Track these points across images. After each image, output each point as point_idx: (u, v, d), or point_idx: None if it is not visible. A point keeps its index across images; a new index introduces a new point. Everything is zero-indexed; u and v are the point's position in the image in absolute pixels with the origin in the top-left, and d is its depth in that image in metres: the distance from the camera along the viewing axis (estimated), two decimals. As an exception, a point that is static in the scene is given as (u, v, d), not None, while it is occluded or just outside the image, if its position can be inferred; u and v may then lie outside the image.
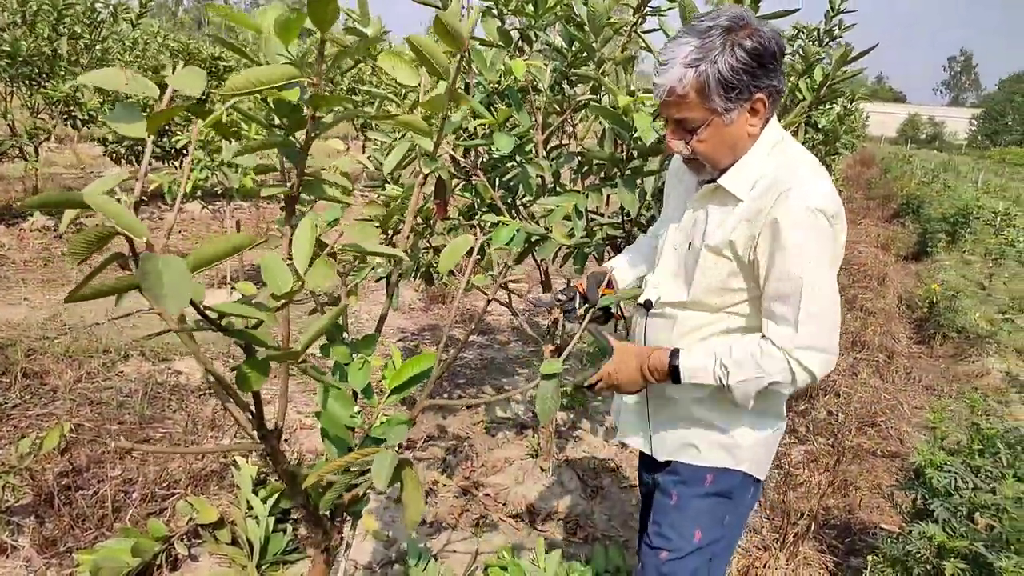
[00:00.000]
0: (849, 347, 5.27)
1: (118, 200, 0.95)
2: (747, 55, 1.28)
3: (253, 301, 0.99)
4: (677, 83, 1.32)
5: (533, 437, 3.38)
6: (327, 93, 1.02)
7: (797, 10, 2.21)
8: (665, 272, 1.55)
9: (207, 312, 0.85)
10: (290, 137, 1.13)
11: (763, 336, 1.38)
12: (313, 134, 1.12)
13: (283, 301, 0.94)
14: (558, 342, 2.92)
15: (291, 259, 1.02)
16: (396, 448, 1.14)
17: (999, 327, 5.48)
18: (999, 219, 10.03)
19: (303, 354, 0.94)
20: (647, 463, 1.73)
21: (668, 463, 1.59)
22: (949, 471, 2.06)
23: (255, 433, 1.15)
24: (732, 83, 1.29)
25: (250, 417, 1.13)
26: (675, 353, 1.44)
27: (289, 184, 1.16)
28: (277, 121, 1.14)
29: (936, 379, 4.93)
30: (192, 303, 0.80)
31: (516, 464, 3.18)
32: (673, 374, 1.43)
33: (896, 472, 3.37)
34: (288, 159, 1.17)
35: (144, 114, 0.94)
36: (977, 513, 1.98)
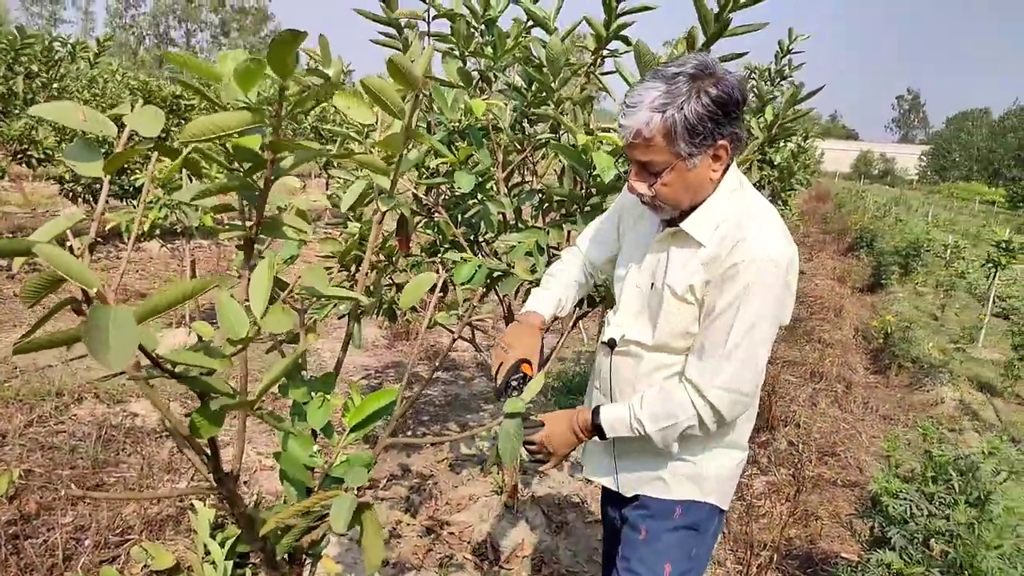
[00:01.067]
0: (808, 378, 5.36)
1: (69, 245, 0.95)
2: (712, 102, 1.31)
3: (208, 346, 0.98)
4: (644, 126, 1.33)
5: (498, 474, 3.36)
6: (286, 137, 1.04)
7: (745, 53, 2.29)
8: (628, 311, 1.57)
9: (160, 360, 0.84)
10: (249, 179, 1.14)
11: (681, 377, 1.45)
12: (272, 178, 1.13)
13: (239, 346, 0.93)
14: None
15: (248, 301, 1.02)
16: (356, 490, 1.14)
17: (951, 357, 5.63)
18: (949, 251, 10.36)
19: (258, 402, 0.93)
20: (611, 498, 1.73)
21: (635, 497, 1.60)
22: (904, 499, 2.10)
23: (212, 477, 1.14)
24: (697, 129, 1.32)
25: (206, 461, 1.12)
26: (596, 412, 1.51)
27: (248, 226, 1.17)
28: (238, 164, 1.15)
29: (892, 408, 5.04)
30: (144, 352, 0.79)
31: (481, 501, 3.16)
32: (597, 431, 1.51)
33: (855, 501, 3.42)
34: (247, 201, 1.17)
35: (102, 152, 0.94)
36: (932, 539, 2.02)
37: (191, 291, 0.85)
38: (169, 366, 0.89)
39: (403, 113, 1.07)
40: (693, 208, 1.44)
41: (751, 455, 3.91)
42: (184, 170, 1.16)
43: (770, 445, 4.06)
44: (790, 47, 4.05)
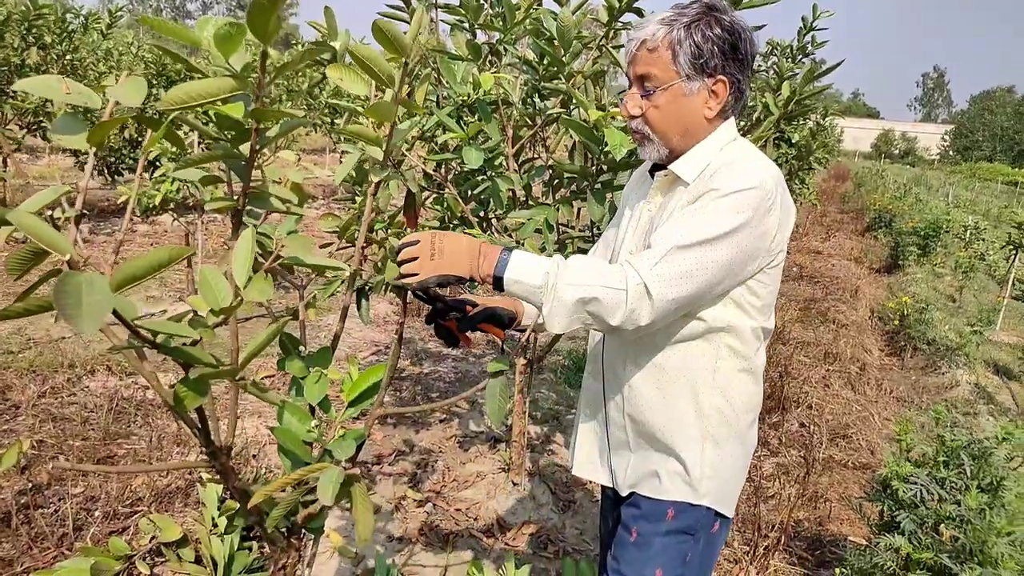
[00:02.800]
0: (822, 359, 5.31)
1: (51, 215, 0.93)
2: (722, 32, 1.30)
3: (195, 317, 0.97)
4: (650, 36, 1.31)
5: (505, 451, 3.36)
6: (270, 106, 1.01)
7: (763, 26, 2.23)
8: None
9: (140, 330, 0.83)
10: (234, 149, 1.11)
11: (669, 347, 1.39)
12: (258, 147, 1.10)
13: (222, 317, 0.92)
14: (529, 355, 2.91)
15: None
16: (345, 463, 1.12)
17: (968, 339, 5.55)
18: (969, 233, 10.21)
19: (241, 371, 0.91)
20: (607, 496, 1.66)
21: (630, 495, 1.50)
22: (915, 483, 2.07)
23: (204, 450, 1.13)
24: (701, 51, 1.29)
25: (197, 434, 1.11)
26: (510, 249, 1.30)
27: (235, 197, 1.14)
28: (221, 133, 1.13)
29: (907, 391, 4.98)
30: (122, 320, 0.78)
31: (487, 478, 3.16)
32: (499, 265, 1.27)
33: (866, 484, 3.39)
34: (233, 172, 1.15)
35: (87, 125, 0.92)
36: (942, 524, 1.99)
37: (167, 259, 0.83)
38: (150, 336, 0.88)
39: (392, 81, 1.04)
40: (683, 153, 1.38)
41: (761, 436, 3.88)
42: (197, 141, 1.15)
43: (781, 426, 4.03)
44: (813, 23, 3.96)
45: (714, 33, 1.29)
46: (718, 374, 1.37)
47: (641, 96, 1.36)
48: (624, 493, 1.50)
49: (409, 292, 1.42)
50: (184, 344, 0.89)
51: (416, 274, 1.29)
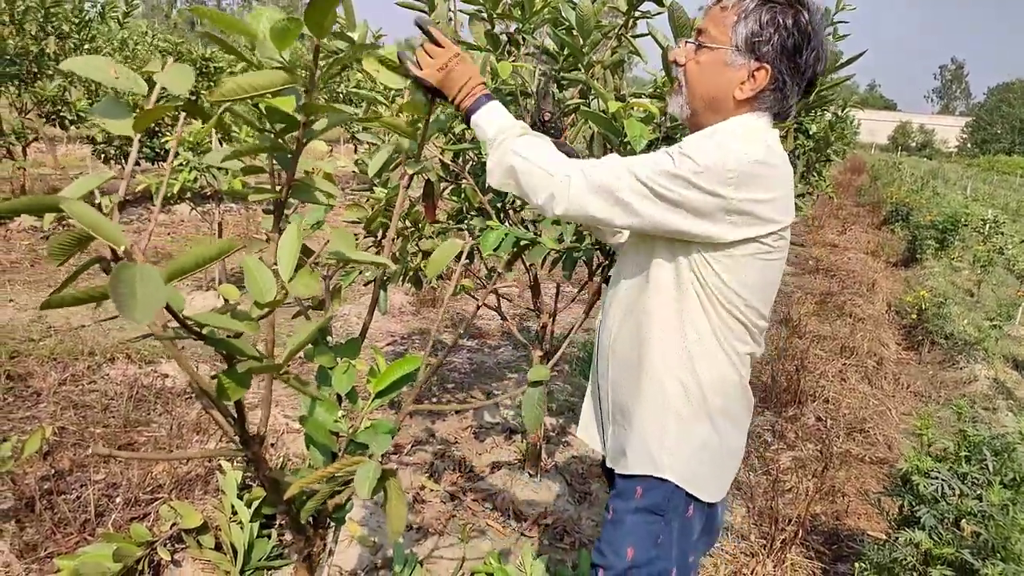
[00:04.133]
0: (838, 352, 5.28)
1: (98, 203, 0.93)
2: (792, 26, 1.28)
3: (236, 309, 0.97)
4: (728, 1, 1.32)
5: (522, 442, 3.37)
6: (319, 100, 1.01)
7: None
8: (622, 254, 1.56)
9: (187, 322, 0.83)
10: (281, 141, 1.12)
11: (659, 307, 1.40)
12: (304, 140, 1.11)
13: (266, 310, 0.92)
14: (545, 347, 2.91)
15: (276, 265, 1.00)
16: (380, 457, 1.13)
17: (987, 334, 5.50)
18: (987, 227, 10.10)
19: (285, 366, 0.92)
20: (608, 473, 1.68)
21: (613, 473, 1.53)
22: (936, 478, 2.06)
23: (238, 440, 1.14)
24: (761, 32, 1.28)
25: (232, 423, 1.12)
26: (486, 98, 1.40)
27: (278, 188, 1.15)
28: (268, 125, 1.13)
29: (924, 385, 4.95)
30: (172, 312, 0.78)
31: (504, 469, 3.17)
32: (475, 104, 1.38)
33: (884, 478, 3.38)
34: (279, 163, 1.16)
35: (132, 111, 0.93)
36: (963, 520, 1.98)
37: (218, 252, 0.83)
38: (196, 328, 0.89)
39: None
40: (703, 127, 1.38)
41: (778, 430, 3.87)
42: (215, 132, 1.16)
43: (798, 420, 4.02)
44: (834, 16, 3.92)
45: (783, 22, 1.28)
46: (688, 352, 1.37)
47: (693, 47, 1.37)
48: (609, 465, 1.54)
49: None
50: (228, 336, 0.90)
51: (420, 66, 1.39)
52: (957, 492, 2.02)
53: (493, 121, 1.38)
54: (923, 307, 6.25)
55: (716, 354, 1.37)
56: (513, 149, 1.34)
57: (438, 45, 1.38)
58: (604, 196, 1.28)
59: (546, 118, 1.64)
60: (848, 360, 5.12)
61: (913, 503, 2.11)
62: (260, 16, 0.97)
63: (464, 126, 2.32)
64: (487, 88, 1.42)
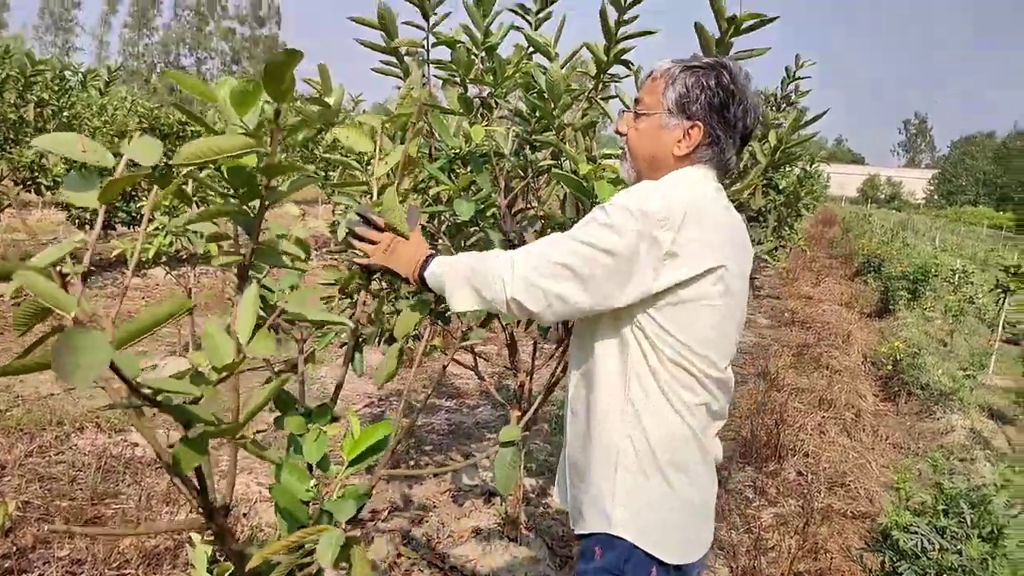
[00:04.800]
0: (816, 405, 5.29)
1: (60, 271, 0.93)
2: (715, 87, 1.37)
3: (197, 374, 0.96)
4: (658, 69, 1.43)
5: (501, 505, 3.31)
6: (282, 162, 1.02)
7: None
8: None
9: (140, 388, 0.82)
10: (244, 205, 1.12)
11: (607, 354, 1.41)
12: (267, 203, 1.11)
13: (225, 373, 0.91)
14: (523, 406, 2.89)
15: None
16: (344, 525, 1.10)
17: (961, 384, 5.56)
18: (957, 277, 10.30)
19: (241, 429, 0.91)
20: None
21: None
22: (916, 532, 2.05)
23: (201, 511, 1.11)
24: (689, 96, 1.38)
25: (195, 494, 1.09)
26: (432, 255, 1.47)
27: (242, 252, 1.15)
28: (232, 189, 1.14)
29: (903, 436, 4.96)
30: (122, 377, 0.77)
31: (483, 534, 3.10)
32: (422, 266, 1.45)
33: (866, 534, 3.35)
34: (242, 228, 1.16)
35: (99, 182, 0.93)
36: (944, 575, 1.96)
37: (168, 313, 0.83)
38: (151, 393, 0.87)
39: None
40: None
41: (759, 486, 3.84)
42: (190, 195, 1.16)
43: (779, 475, 4.00)
44: (796, 73, 4.05)
45: (707, 83, 1.38)
46: (634, 408, 1.36)
47: (632, 116, 1.47)
48: (572, 527, 1.52)
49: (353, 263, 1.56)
50: (185, 402, 0.88)
51: (366, 255, 1.47)
52: (937, 547, 2.00)
53: (440, 263, 1.45)
54: (898, 358, 6.31)
55: (663, 409, 1.35)
56: (462, 263, 1.42)
57: (377, 228, 1.46)
58: (541, 270, 1.33)
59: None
60: (827, 413, 5.13)
61: (894, 559, 2.09)
62: (223, 84, 0.99)
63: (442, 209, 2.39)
64: (428, 250, 1.50)
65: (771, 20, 2.12)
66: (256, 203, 1.13)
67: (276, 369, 1.64)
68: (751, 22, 2.10)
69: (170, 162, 0.95)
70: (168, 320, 0.80)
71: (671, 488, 1.37)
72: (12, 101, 7.18)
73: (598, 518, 1.40)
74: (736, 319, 1.42)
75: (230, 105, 1.01)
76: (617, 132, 1.51)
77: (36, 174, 7.58)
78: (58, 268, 0.90)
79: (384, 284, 2.65)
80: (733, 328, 1.42)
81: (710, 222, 1.33)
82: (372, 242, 1.46)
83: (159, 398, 0.84)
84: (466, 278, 1.39)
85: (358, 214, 1.50)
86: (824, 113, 2.86)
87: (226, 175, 1.05)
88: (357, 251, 1.49)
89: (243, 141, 0.95)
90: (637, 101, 1.47)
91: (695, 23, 2.14)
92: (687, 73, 1.38)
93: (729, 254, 1.36)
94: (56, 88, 7.57)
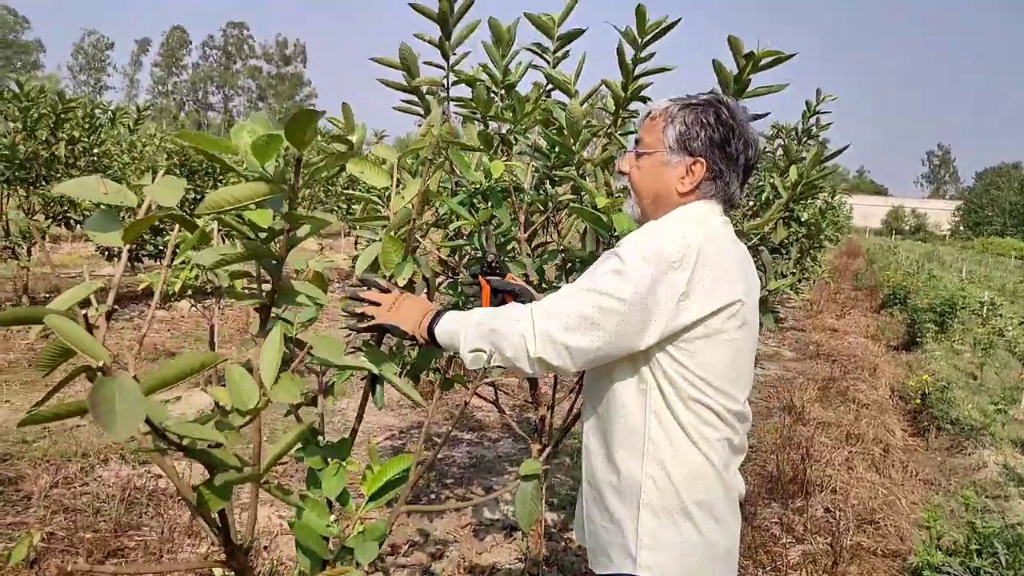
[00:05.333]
0: (844, 440, 5.20)
1: (85, 313, 0.95)
2: (715, 122, 1.39)
3: (221, 416, 0.97)
4: (657, 108, 1.45)
5: (522, 540, 3.27)
6: (301, 211, 1.04)
7: (766, 114, 2.29)
8: None
9: (167, 434, 0.83)
10: (266, 248, 1.14)
11: (617, 386, 1.41)
12: (289, 247, 1.13)
13: (247, 418, 0.92)
14: (544, 440, 2.87)
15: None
16: (367, 566, 1.10)
17: (992, 418, 5.43)
18: (986, 309, 10.13)
19: (265, 475, 0.91)
20: None
21: None
22: (948, 573, 1.99)
23: (223, 549, 1.11)
24: (689, 133, 1.39)
25: (216, 532, 1.10)
26: (440, 312, 1.47)
27: (264, 293, 1.17)
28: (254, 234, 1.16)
29: (933, 473, 4.85)
30: (151, 424, 0.78)
31: (505, 569, 3.07)
32: (432, 322, 1.44)
33: (896, 573, 3.26)
34: (265, 270, 1.18)
35: (122, 222, 0.95)
36: (980, 618, 1.91)
37: (200, 364, 0.84)
38: (177, 439, 0.88)
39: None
40: (651, 219, 1.45)
41: (786, 522, 3.77)
42: (216, 231, 1.19)
43: (805, 511, 3.92)
44: (817, 107, 4.06)
45: (707, 120, 1.40)
46: (656, 446, 1.35)
47: (634, 155, 1.49)
48: (591, 566, 1.49)
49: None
50: (209, 447, 0.89)
51: (372, 317, 1.47)
52: (970, 588, 1.95)
53: (452, 318, 1.44)
54: (927, 391, 6.19)
55: (684, 446, 1.34)
56: (476, 321, 1.40)
57: (382, 290, 1.48)
58: (559, 322, 1.33)
59: (490, 259, 1.76)
60: (854, 447, 5.03)
61: (926, 600, 2.04)
62: (241, 132, 1.01)
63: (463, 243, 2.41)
64: (435, 305, 1.52)
65: (788, 57, 2.14)
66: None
67: (296, 402, 1.65)
68: (768, 59, 2.12)
69: (194, 211, 0.98)
70: (200, 371, 0.81)
71: (698, 532, 1.36)
72: (44, 138, 7.39)
73: (622, 557, 1.38)
74: (752, 351, 1.43)
75: (250, 156, 1.04)
76: (619, 172, 1.53)
77: (66, 209, 7.76)
78: (84, 312, 0.92)
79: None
80: (749, 360, 1.42)
81: (723, 258, 1.35)
82: (377, 304, 1.47)
83: (184, 443, 0.85)
84: (483, 336, 1.38)
85: (361, 280, 1.51)
86: (845, 148, 2.86)
87: (247, 222, 1.08)
88: (361, 319, 1.48)
89: (263, 188, 0.97)
90: (637, 141, 1.49)
91: (713, 60, 2.16)
92: (686, 111, 1.41)
93: (742, 288, 1.37)
94: (86, 126, 7.78)
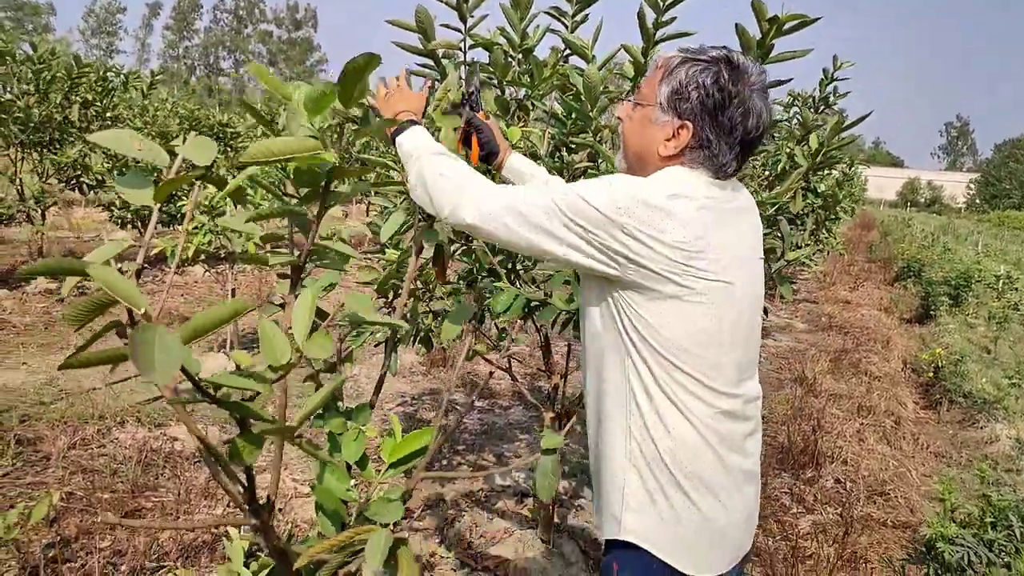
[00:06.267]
0: (855, 412, 5.20)
1: (118, 269, 0.95)
2: (712, 85, 1.27)
3: (251, 371, 0.97)
4: (662, 57, 1.35)
5: (534, 506, 3.30)
6: (349, 165, 1.04)
7: (789, 80, 2.25)
8: None
9: (202, 384, 0.83)
10: (302, 206, 1.14)
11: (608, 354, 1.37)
12: (328, 205, 1.13)
13: (281, 373, 0.92)
14: (557, 408, 2.88)
15: (291, 328, 1.01)
16: (391, 526, 1.11)
17: (1006, 392, 5.41)
18: (1001, 283, 10.04)
19: (298, 429, 0.92)
20: None
21: None
22: (961, 545, 1.99)
23: (246, 507, 1.12)
24: (681, 92, 1.29)
25: (241, 490, 1.10)
26: (413, 123, 1.50)
27: (297, 254, 1.17)
28: (288, 190, 1.16)
29: (944, 445, 4.85)
30: (187, 374, 0.79)
31: (516, 535, 3.10)
32: (397, 129, 1.49)
33: (907, 544, 3.28)
34: (299, 228, 1.17)
35: (152, 181, 0.95)
36: (992, 589, 1.91)
37: (232, 312, 0.84)
38: (211, 390, 0.88)
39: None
40: None
41: (796, 493, 3.78)
42: (236, 199, 1.19)
43: (816, 482, 3.93)
44: (834, 74, 3.99)
45: (702, 80, 1.27)
46: (640, 411, 1.29)
47: (631, 105, 1.40)
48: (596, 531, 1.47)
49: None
50: (243, 399, 0.90)
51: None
52: (984, 560, 1.95)
53: (410, 147, 1.46)
54: (940, 365, 6.17)
55: (670, 417, 1.27)
56: (433, 152, 1.43)
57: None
58: (495, 217, 1.32)
59: (471, 90, 1.76)
60: (865, 419, 5.03)
61: (939, 571, 2.05)
62: (299, 87, 1.02)
63: None
64: (414, 112, 1.56)
65: (813, 21, 2.09)
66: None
67: (316, 368, 1.66)
68: (792, 23, 2.07)
69: (234, 159, 0.98)
70: (231, 320, 0.81)
71: (691, 504, 1.29)
72: (58, 102, 7.37)
73: (610, 522, 1.35)
74: (727, 320, 1.29)
75: (302, 107, 1.03)
76: (617, 118, 1.47)
77: (79, 173, 7.77)
78: (119, 266, 0.92)
79: (419, 284, 2.67)
80: (723, 330, 1.28)
81: (683, 221, 1.23)
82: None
83: (218, 394, 0.85)
84: (430, 175, 1.39)
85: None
86: (867, 116, 2.81)
87: (292, 175, 1.07)
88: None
89: (313, 143, 0.96)
90: (638, 89, 1.40)
91: (736, 25, 2.12)
92: (686, 66, 1.29)
93: (721, 255, 1.26)
94: (99, 89, 7.75)
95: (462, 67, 2.65)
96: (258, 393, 0.95)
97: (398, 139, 1.48)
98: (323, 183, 1.05)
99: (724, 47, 1.34)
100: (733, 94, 1.27)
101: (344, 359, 1.72)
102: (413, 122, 1.50)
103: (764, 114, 1.30)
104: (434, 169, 1.39)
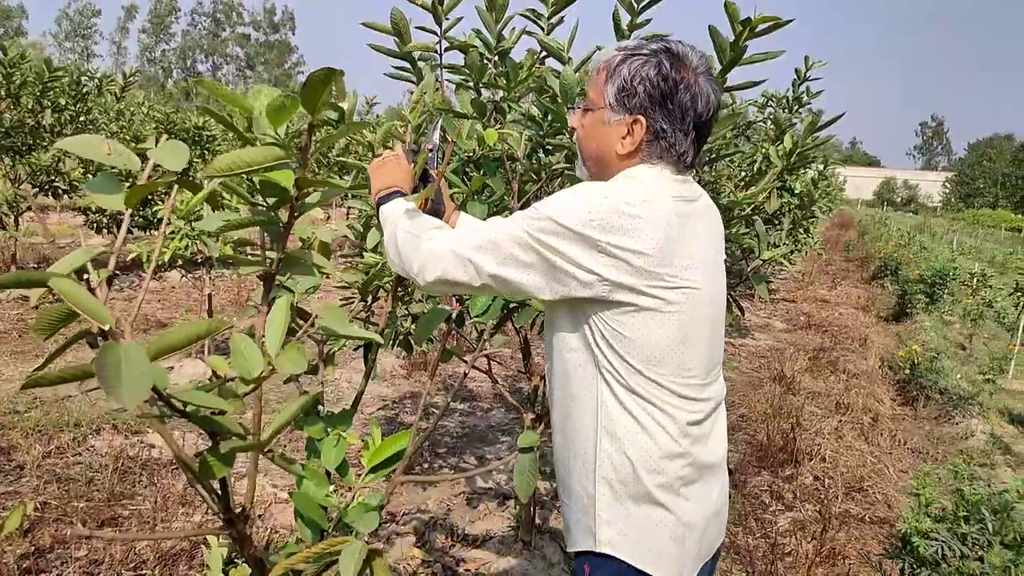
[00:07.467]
0: (833, 409, 5.25)
1: (87, 277, 0.93)
2: (657, 75, 1.26)
3: (223, 384, 0.96)
4: (602, 58, 1.33)
5: (515, 508, 3.30)
6: (311, 174, 1.03)
7: (763, 82, 2.27)
8: None
9: (171, 400, 0.82)
10: (273, 214, 1.13)
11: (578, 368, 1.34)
12: (297, 213, 1.12)
13: (251, 387, 0.91)
14: (537, 409, 2.89)
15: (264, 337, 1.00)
16: (367, 535, 1.11)
17: (981, 388, 5.49)
18: (976, 280, 10.19)
19: (269, 444, 0.91)
20: None
21: None
22: (936, 539, 2.02)
23: (222, 517, 1.11)
24: (626, 88, 1.28)
25: (216, 500, 1.10)
26: (399, 194, 1.50)
27: (268, 262, 1.15)
28: (259, 198, 1.15)
29: (921, 441, 4.91)
30: (155, 391, 0.78)
31: (498, 537, 3.10)
32: (380, 199, 1.50)
33: (884, 539, 3.32)
34: (270, 236, 1.16)
35: (124, 185, 0.93)
36: (966, 583, 1.94)
37: (204, 331, 0.83)
38: (180, 405, 0.87)
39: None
40: None
41: (775, 490, 3.82)
42: (211, 204, 1.18)
43: (795, 479, 3.97)
44: (806, 74, 4.02)
45: (647, 74, 1.26)
46: (606, 420, 1.27)
47: (580, 112, 1.39)
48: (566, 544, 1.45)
49: None
50: (213, 414, 0.89)
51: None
52: (958, 554, 1.98)
53: (388, 215, 1.46)
54: (916, 362, 6.25)
55: (641, 424, 1.26)
56: (401, 217, 1.42)
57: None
58: (462, 261, 1.29)
59: (430, 147, 1.72)
60: (844, 417, 5.09)
61: (914, 566, 2.07)
62: (259, 94, 1.00)
63: None
64: (402, 183, 1.54)
65: (786, 23, 2.11)
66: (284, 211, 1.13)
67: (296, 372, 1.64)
68: (765, 25, 2.09)
69: (200, 174, 0.96)
70: (205, 338, 0.80)
71: (665, 510, 1.28)
72: (30, 107, 7.27)
73: (584, 534, 1.32)
74: (711, 328, 1.30)
75: (265, 117, 1.02)
76: (571, 128, 1.45)
77: (53, 178, 7.67)
78: (85, 276, 0.90)
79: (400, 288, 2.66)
80: (698, 336, 1.28)
81: (651, 227, 1.21)
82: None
83: (188, 410, 0.84)
84: (404, 245, 1.38)
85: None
86: (841, 116, 2.84)
87: (258, 187, 1.06)
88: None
89: (275, 153, 0.95)
90: (585, 96, 1.37)
91: (709, 27, 2.13)
92: (628, 62, 1.28)
93: (690, 259, 1.25)
94: (73, 93, 7.66)
95: (438, 70, 2.65)
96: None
97: (380, 211, 1.49)
98: (290, 193, 1.04)
99: (661, 37, 1.35)
100: (678, 81, 1.27)
101: (325, 361, 1.72)
102: (399, 193, 1.50)
103: (712, 96, 1.31)
104: (401, 227, 1.39)
